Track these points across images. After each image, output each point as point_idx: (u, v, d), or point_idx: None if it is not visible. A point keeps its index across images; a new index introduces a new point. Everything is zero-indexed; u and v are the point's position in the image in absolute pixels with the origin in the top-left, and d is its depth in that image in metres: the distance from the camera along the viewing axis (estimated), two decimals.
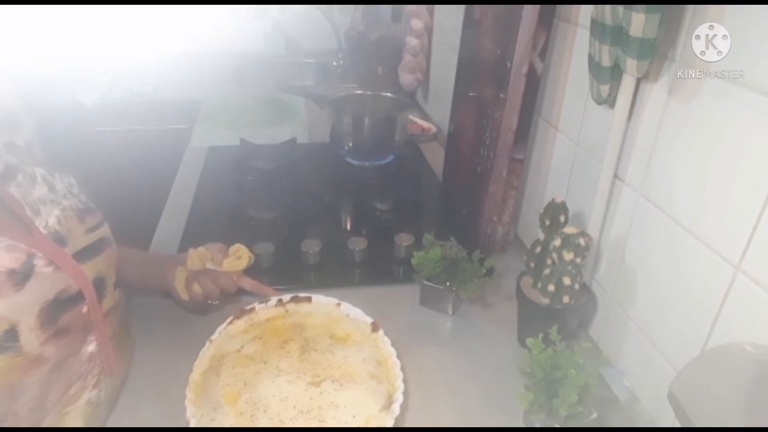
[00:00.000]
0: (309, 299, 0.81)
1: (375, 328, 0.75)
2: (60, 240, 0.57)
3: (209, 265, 0.82)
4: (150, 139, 1.74)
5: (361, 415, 0.62)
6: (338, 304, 0.79)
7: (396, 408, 0.63)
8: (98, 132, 1.73)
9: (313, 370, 0.68)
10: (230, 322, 0.76)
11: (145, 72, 1.95)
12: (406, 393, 0.67)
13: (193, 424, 0.61)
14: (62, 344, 0.55)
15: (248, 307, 0.79)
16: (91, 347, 0.61)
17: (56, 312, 0.54)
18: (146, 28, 2.09)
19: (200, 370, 0.68)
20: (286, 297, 0.81)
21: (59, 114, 1.66)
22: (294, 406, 0.63)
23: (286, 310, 0.79)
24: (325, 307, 0.79)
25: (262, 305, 0.80)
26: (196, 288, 0.78)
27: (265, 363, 0.69)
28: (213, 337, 0.74)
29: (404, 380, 0.67)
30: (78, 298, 0.57)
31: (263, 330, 0.75)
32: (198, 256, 0.81)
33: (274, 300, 0.80)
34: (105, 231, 0.65)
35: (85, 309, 0.59)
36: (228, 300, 0.80)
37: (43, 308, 0.53)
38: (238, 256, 0.84)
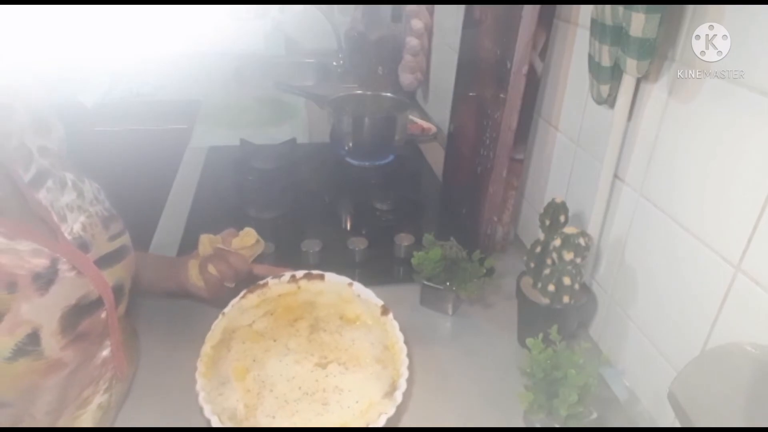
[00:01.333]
0: (322, 277, 0.82)
1: (385, 311, 0.76)
2: (84, 246, 0.58)
3: (220, 246, 0.82)
4: (150, 139, 1.74)
5: (363, 401, 0.64)
6: (350, 284, 0.81)
7: (398, 396, 0.64)
8: (98, 132, 1.73)
9: (321, 351, 0.70)
10: (243, 296, 0.78)
11: (145, 72, 1.95)
12: (407, 389, 0.67)
13: (202, 398, 0.63)
14: (81, 349, 0.56)
15: (262, 282, 0.80)
16: (105, 352, 0.61)
17: (77, 317, 0.54)
18: (146, 28, 2.09)
19: (212, 342, 0.70)
20: (300, 273, 0.82)
21: (59, 114, 1.66)
22: (299, 387, 0.65)
23: (299, 287, 0.81)
24: (336, 286, 0.80)
25: (276, 280, 0.81)
26: (211, 269, 0.77)
27: (275, 340, 0.71)
28: (226, 310, 0.75)
29: (407, 379, 0.67)
30: (98, 303, 0.58)
31: (275, 306, 0.77)
32: (208, 240, 0.81)
33: (287, 276, 0.82)
34: (126, 239, 0.66)
35: (103, 315, 0.59)
36: (243, 284, 0.79)
37: (65, 313, 0.53)
38: (248, 234, 0.83)
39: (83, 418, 0.59)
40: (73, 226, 0.58)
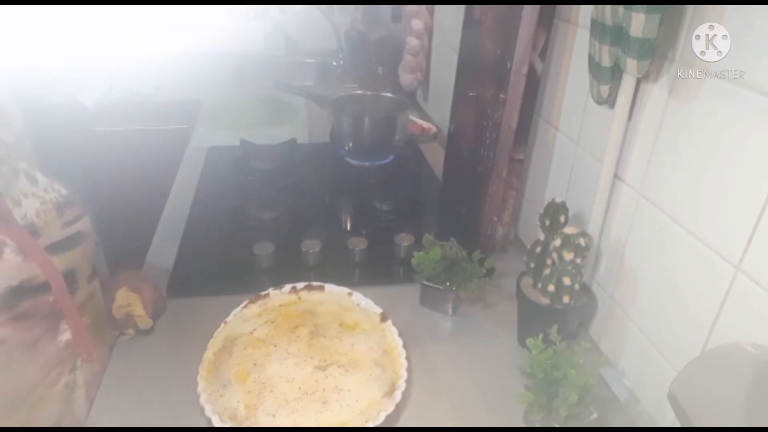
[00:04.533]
0: (322, 288, 0.83)
1: (384, 318, 0.78)
2: (35, 232, 0.60)
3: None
4: (150, 139, 1.74)
5: (363, 399, 0.65)
6: (350, 294, 0.82)
7: (398, 395, 0.65)
8: (98, 132, 1.73)
9: (321, 355, 0.71)
10: (245, 306, 0.79)
11: (145, 72, 1.95)
12: (407, 389, 0.67)
13: (202, 399, 0.64)
14: (22, 328, 0.58)
15: (263, 293, 0.82)
16: (66, 335, 0.64)
17: (18, 298, 0.57)
18: (146, 28, 2.09)
19: (213, 349, 0.72)
20: (300, 285, 0.84)
21: (59, 114, 1.66)
22: (299, 387, 0.66)
23: (299, 297, 0.82)
24: (336, 296, 0.82)
25: (277, 291, 0.83)
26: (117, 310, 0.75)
27: (275, 346, 0.72)
28: (228, 319, 0.77)
29: (406, 380, 0.68)
30: (44, 287, 0.60)
31: (276, 315, 0.78)
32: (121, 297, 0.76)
33: (288, 287, 0.83)
34: (83, 224, 0.67)
35: (51, 298, 0.61)
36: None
37: (5, 292, 0.55)
38: (125, 305, 0.76)
39: (51, 396, 0.63)
40: (27, 211, 0.60)
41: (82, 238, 0.66)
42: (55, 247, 0.61)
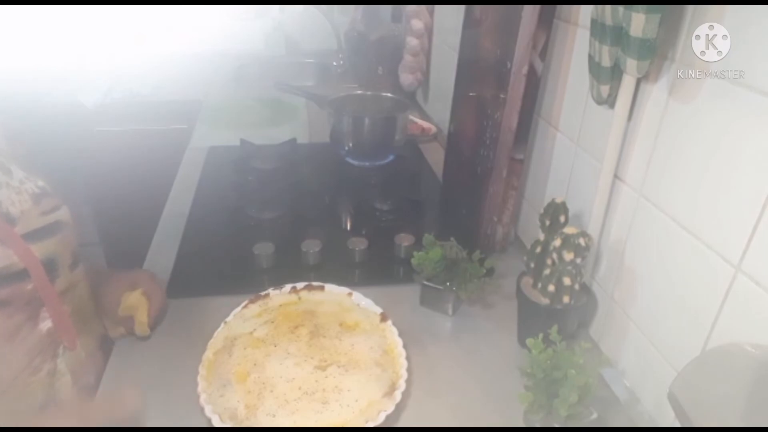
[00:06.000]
0: (322, 288, 0.83)
1: (384, 318, 0.78)
2: (10, 220, 0.60)
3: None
4: (150, 139, 1.74)
5: (363, 399, 0.65)
6: (350, 294, 0.82)
7: (398, 395, 0.65)
8: (98, 132, 1.74)
9: (321, 355, 0.71)
10: (245, 306, 0.79)
11: (145, 72, 1.95)
12: (407, 389, 0.67)
13: (202, 399, 0.64)
14: (3, 315, 0.59)
15: (263, 293, 0.82)
16: (46, 323, 0.64)
17: None
18: (146, 28, 2.09)
19: (213, 349, 0.72)
20: (300, 285, 0.84)
21: (59, 114, 1.67)
22: (299, 387, 0.66)
23: (299, 298, 0.82)
24: (337, 296, 0.82)
25: (277, 291, 0.83)
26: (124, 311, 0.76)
27: (275, 346, 0.72)
28: (228, 320, 0.77)
29: (406, 380, 0.68)
30: (23, 275, 0.60)
31: (276, 315, 0.78)
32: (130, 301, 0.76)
33: (288, 287, 0.83)
34: (61, 215, 0.68)
35: (30, 286, 0.61)
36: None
37: None
38: (134, 306, 0.76)
39: (34, 385, 0.63)
40: (2, 201, 0.60)
41: (61, 227, 0.67)
42: (32, 235, 0.62)
